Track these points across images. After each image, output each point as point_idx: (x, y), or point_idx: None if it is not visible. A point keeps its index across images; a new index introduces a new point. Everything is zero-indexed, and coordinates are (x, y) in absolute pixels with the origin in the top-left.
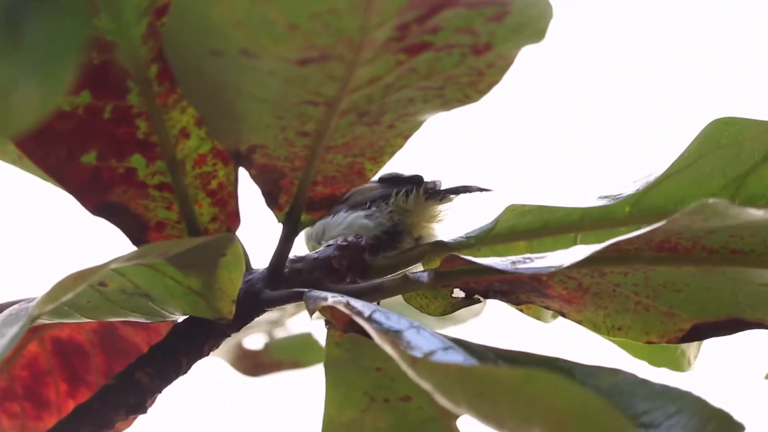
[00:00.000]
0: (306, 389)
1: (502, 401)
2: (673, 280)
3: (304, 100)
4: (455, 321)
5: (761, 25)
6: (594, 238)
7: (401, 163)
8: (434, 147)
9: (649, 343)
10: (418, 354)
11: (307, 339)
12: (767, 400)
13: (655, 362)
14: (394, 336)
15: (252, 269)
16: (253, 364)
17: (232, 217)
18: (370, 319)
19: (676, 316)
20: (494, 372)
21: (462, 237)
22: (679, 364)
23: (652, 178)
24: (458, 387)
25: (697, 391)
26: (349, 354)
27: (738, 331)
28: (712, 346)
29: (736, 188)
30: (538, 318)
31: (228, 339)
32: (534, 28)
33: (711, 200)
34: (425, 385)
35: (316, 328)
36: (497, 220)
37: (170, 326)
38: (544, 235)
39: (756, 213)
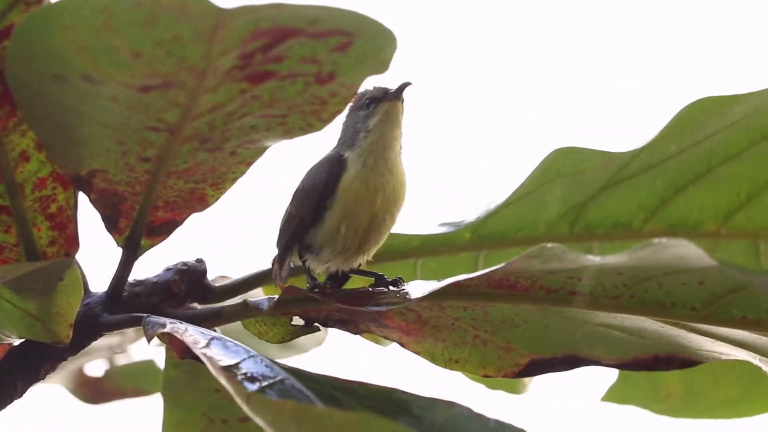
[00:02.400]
0: (145, 414)
1: None
2: (512, 316)
3: (146, 126)
4: (298, 350)
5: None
6: (434, 263)
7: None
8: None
9: (486, 376)
10: (252, 388)
11: (149, 366)
12: (603, 420)
13: (492, 385)
14: (229, 368)
15: (91, 293)
16: (94, 391)
17: (71, 241)
18: (207, 348)
19: (513, 351)
20: (329, 415)
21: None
22: (514, 387)
23: (492, 206)
24: (292, 426)
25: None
26: (188, 376)
27: (574, 368)
28: None
29: (576, 216)
30: (377, 342)
31: (68, 365)
32: (377, 59)
33: (550, 245)
34: (259, 421)
35: (159, 355)
36: None
37: (6, 349)
38: (385, 261)
39: (593, 260)
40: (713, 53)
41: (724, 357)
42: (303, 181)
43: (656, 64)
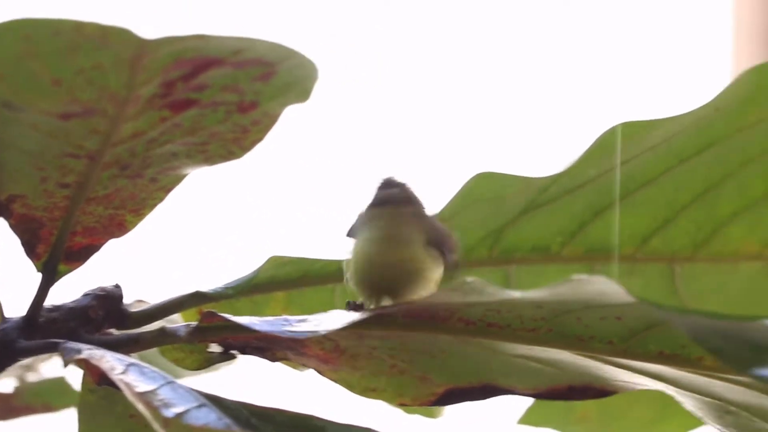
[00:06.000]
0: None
1: None
2: (430, 346)
3: (66, 153)
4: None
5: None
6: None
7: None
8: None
9: (402, 405)
10: (170, 414)
11: (59, 383)
12: None
13: (409, 409)
14: (147, 395)
15: (7, 318)
16: (3, 407)
17: None
18: (124, 375)
19: (430, 380)
20: None
21: (221, 288)
22: (430, 411)
23: None
24: None
25: None
26: (104, 401)
27: (490, 397)
28: None
29: (494, 240)
30: (294, 367)
31: None
32: (300, 89)
33: (470, 279)
34: None
35: (70, 372)
36: (258, 271)
37: None
38: (303, 286)
39: (513, 294)
40: (635, 78)
41: (639, 387)
42: None
43: (579, 89)
